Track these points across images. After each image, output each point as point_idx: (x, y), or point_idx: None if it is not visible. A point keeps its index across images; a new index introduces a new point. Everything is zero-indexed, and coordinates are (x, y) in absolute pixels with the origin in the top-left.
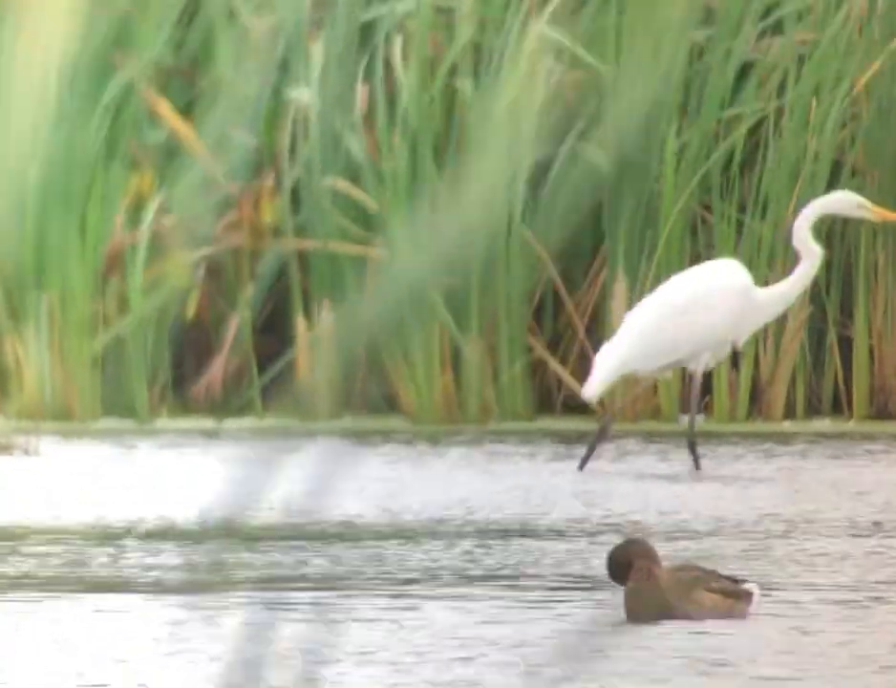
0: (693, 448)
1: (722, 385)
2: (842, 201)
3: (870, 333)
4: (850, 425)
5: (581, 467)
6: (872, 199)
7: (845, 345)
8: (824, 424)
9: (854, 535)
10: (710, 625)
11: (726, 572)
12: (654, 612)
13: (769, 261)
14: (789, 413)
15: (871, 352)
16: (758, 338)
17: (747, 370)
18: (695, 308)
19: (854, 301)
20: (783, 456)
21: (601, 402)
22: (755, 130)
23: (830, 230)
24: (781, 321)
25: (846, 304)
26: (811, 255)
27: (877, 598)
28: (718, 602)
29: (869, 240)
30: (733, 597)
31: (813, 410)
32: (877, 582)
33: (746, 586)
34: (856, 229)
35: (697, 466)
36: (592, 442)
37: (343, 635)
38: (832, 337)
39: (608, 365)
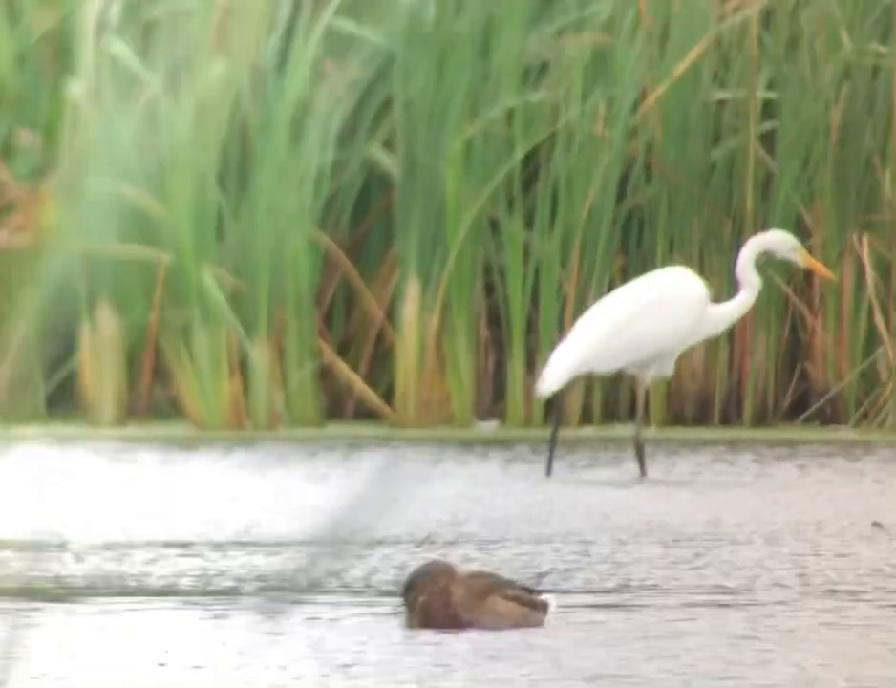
0: (639, 454)
1: (517, 391)
2: (780, 241)
3: None
4: (652, 431)
5: (547, 473)
6: (667, 201)
7: None
8: (626, 430)
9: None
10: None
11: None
12: (444, 621)
13: (562, 265)
14: (586, 418)
15: None
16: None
17: None
18: (657, 310)
19: None
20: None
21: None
22: (548, 134)
23: (625, 235)
24: None
25: None
26: (750, 286)
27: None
28: (513, 610)
29: (665, 246)
30: (528, 606)
31: (609, 415)
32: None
33: (542, 596)
34: (652, 235)
35: (643, 472)
36: (550, 445)
37: None
38: None
39: (566, 363)
